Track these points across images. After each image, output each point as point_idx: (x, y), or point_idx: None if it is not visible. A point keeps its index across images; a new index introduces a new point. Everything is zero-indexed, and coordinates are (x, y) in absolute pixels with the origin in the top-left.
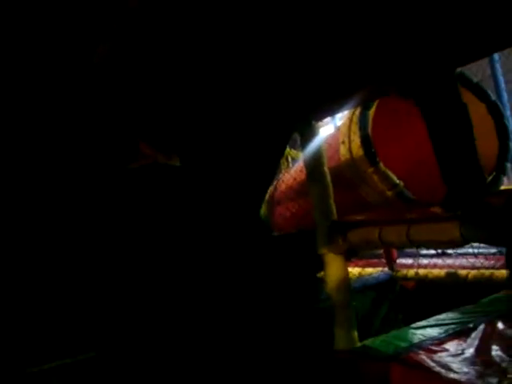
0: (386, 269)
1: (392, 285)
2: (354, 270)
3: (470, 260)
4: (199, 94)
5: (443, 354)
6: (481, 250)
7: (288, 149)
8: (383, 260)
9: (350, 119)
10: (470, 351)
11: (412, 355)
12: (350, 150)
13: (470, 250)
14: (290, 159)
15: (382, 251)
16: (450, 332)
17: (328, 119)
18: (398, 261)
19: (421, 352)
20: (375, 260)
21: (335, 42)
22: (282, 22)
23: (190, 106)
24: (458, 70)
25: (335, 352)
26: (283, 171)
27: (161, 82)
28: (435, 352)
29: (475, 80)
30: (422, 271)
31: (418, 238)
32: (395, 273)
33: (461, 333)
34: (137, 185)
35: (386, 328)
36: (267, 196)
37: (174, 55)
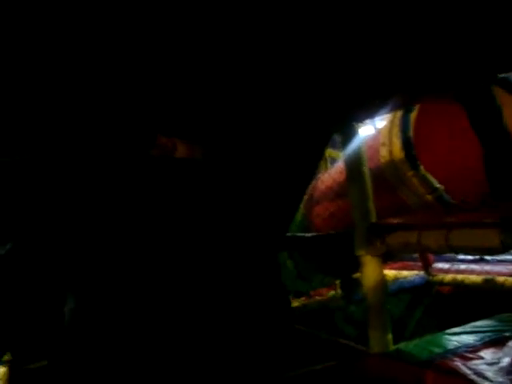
0: (422, 273)
1: (427, 289)
2: (389, 273)
3: (509, 267)
4: (232, 90)
5: (478, 361)
6: None
7: (329, 149)
8: (419, 263)
9: (392, 121)
10: (506, 360)
11: (446, 361)
12: (390, 152)
13: (509, 257)
14: (328, 159)
15: (417, 255)
16: (486, 340)
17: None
18: (435, 265)
19: (455, 359)
20: (411, 263)
21: (385, 46)
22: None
23: (222, 102)
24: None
25: (369, 355)
26: (322, 171)
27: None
28: (470, 359)
29: None
30: (458, 276)
31: (456, 243)
32: (431, 277)
33: (497, 341)
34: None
35: (420, 332)
36: (306, 196)
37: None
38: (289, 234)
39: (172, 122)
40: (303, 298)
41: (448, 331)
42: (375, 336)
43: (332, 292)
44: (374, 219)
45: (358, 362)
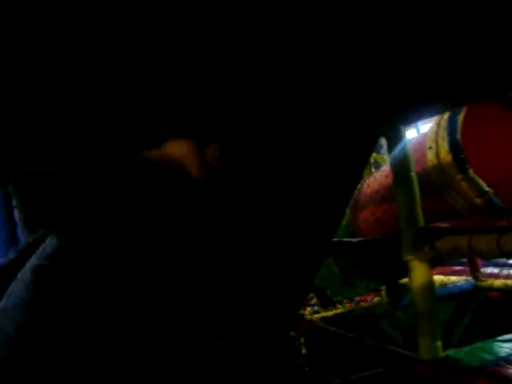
0: (470, 278)
1: (475, 294)
2: (436, 278)
3: None
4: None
5: None
6: None
7: (374, 154)
8: (466, 268)
9: (438, 124)
10: None
11: (499, 369)
12: (437, 155)
13: None
14: (372, 164)
15: (465, 259)
16: None
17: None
18: (482, 270)
19: (509, 366)
20: (457, 267)
21: (435, 47)
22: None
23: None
24: None
25: (418, 361)
26: (367, 175)
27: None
28: None
29: None
30: (509, 282)
31: (508, 247)
32: (479, 282)
33: None
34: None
35: (468, 339)
36: (351, 201)
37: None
38: (335, 240)
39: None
40: (348, 304)
41: (500, 338)
42: (424, 342)
43: (377, 298)
44: (421, 224)
45: (407, 368)
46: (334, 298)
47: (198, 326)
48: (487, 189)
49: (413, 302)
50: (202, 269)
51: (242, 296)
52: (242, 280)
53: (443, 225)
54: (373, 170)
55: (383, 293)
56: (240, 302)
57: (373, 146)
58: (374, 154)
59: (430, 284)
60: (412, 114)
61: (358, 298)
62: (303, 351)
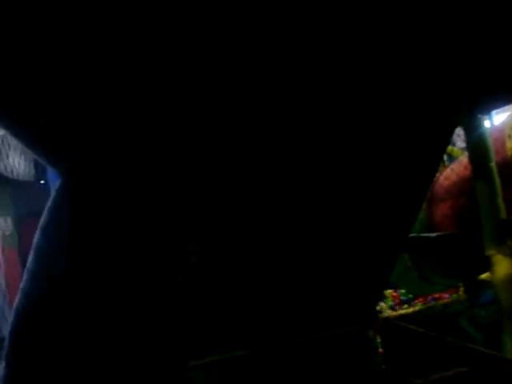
0: None
1: None
2: None
3: None
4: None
5: None
6: None
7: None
8: None
9: None
10: None
11: None
12: None
13: None
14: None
15: None
16: None
17: None
18: None
19: None
20: None
21: None
22: None
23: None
24: None
25: (504, 361)
26: (442, 168)
27: None
28: None
29: None
30: None
31: None
32: None
33: None
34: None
35: None
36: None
37: None
38: (411, 235)
39: None
40: (424, 301)
41: None
42: (510, 341)
43: (455, 295)
44: (503, 216)
45: (492, 368)
46: (403, 297)
47: (275, 324)
48: None
49: (495, 298)
50: (279, 265)
51: (319, 293)
52: (319, 277)
53: None
54: (446, 163)
55: (461, 289)
56: (317, 299)
57: (450, 136)
58: (451, 148)
59: None
60: (490, 102)
61: (430, 296)
62: (380, 350)
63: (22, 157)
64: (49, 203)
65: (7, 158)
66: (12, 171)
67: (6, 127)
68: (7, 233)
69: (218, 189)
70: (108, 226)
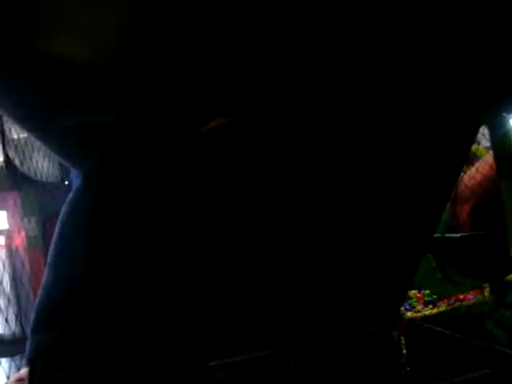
0: None
1: None
2: None
3: None
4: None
5: None
6: None
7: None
8: None
9: None
10: None
11: None
12: None
13: None
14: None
15: None
16: None
17: None
18: None
19: None
20: None
21: None
22: None
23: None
24: None
25: None
26: (465, 168)
27: None
28: None
29: None
30: None
31: None
32: None
33: None
34: None
35: None
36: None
37: None
38: (435, 235)
39: None
40: (448, 303)
41: None
42: None
43: (480, 296)
44: None
45: None
46: (427, 298)
47: (297, 323)
48: None
49: None
50: (304, 263)
51: (343, 293)
52: (343, 277)
53: None
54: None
55: (486, 290)
56: (340, 299)
57: (475, 135)
58: (475, 147)
59: None
60: None
61: (454, 298)
62: (404, 351)
63: (46, 158)
64: (70, 197)
65: (31, 159)
66: (36, 172)
67: (34, 133)
68: (32, 233)
69: (246, 178)
70: (131, 218)
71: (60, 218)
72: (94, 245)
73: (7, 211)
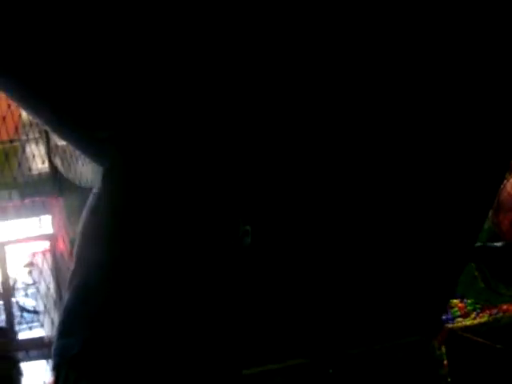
0: None
1: None
2: None
3: None
4: None
5: None
6: None
7: None
8: None
9: None
10: None
11: None
12: None
13: None
14: None
15: None
16: None
17: None
18: None
19: None
20: None
21: None
22: None
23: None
24: None
25: None
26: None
27: None
28: None
29: None
30: None
31: None
32: None
33: None
34: None
35: None
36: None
37: None
38: (477, 244)
39: None
40: (491, 312)
41: None
42: None
43: None
44: None
45: None
46: (469, 307)
47: (335, 332)
48: None
49: None
50: (342, 271)
51: (382, 302)
52: (383, 285)
53: None
54: None
55: None
56: (380, 308)
57: None
58: None
59: None
60: None
61: (496, 308)
62: (445, 362)
63: (89, 164)
64: (97, 188)
65: (74, 165)
66: (79, 178)
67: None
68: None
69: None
70: (155, 215)
71: (83, 219)
72: (120, 244)
73: (52, 216)
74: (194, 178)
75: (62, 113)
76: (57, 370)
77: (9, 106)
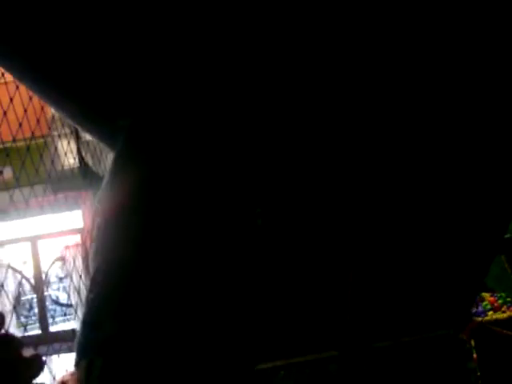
0: None
1: None
2: None
3: None
4: None
5: None
6: None
7: None
8: None
9: None
10: None
11: None
12: None
13: None
14: None
15: None
16: None
17: None
18: None
19: None
20: None
21: None
22: None
23: None
24: None
25: None
26: None
27: None
28: None
29: None
30: None
31: None
32: None
33: None
34: None
35: None
36: None
37: None
38: (507, 236)
39: None
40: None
41: None
42: None
43: None
44: None
45: None
46: (501, 301)
47: (364, 324)
48: None
49: None
50: (371, 260)
51: (410, 295)
52: (411, 277)
53: None
54: None
55: None
56: (408, 301)
57: None
58: None
59: None
60: None
61: None
62: (474, 356)
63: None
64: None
65: (103, 159)
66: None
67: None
68: None
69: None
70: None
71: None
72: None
73: (82, 210)
74: (209, 167)
75: (84, 102)
76: (89, 363)
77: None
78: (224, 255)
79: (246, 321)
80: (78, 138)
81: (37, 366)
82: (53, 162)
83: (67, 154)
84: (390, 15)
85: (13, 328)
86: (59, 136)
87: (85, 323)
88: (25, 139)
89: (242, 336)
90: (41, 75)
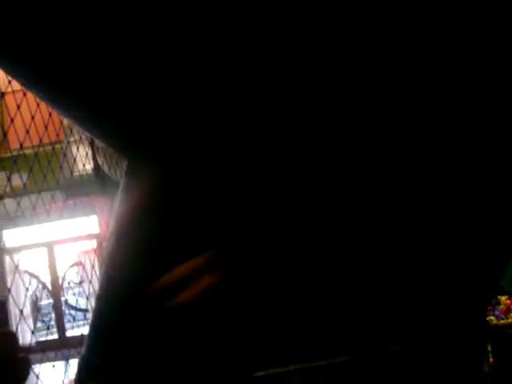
0: None
1: None
2: None
3: None
4: None
5: None
6: None
7: None
8: None
9: None
10: None
11: None
12: None
13: None
14: None
15: None
16: None
17: None
18: None
19: None
20: None
21: None
22: None
23: None
24: None
25: None
26: None
27: None
28: None
29: None
30: None
31: None
32: None
33: None
34: None
35: None
36: None
37: None
38: None
39: None
40: None
41: None
42: None
43: None
44: None
45: None
46: None
47: (378, 329)
48: None
49: None
50: (385, 264)
51: (424, 298)
52: (425, 281)
53: None
54: None
55: None
56: (422, 304)
57: None
58: None
59: None
60: None
61: None
62: (490, 360)
63: None
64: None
65: (118, 165)
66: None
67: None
68: None
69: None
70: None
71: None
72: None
73: (98, 216)
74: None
75: (94, 107)
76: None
77: None
78: (239, 259)
79: (258, 327)
80: (92, 144)
81: (23, 367)
82: (69, 167)
83: (82, 159)
84: (390, 15)
85: (29, 333)
86: (75, 141)
87: (87, 342)
88: (42, 145)
89: (246, 345)
90: (54, 83)
